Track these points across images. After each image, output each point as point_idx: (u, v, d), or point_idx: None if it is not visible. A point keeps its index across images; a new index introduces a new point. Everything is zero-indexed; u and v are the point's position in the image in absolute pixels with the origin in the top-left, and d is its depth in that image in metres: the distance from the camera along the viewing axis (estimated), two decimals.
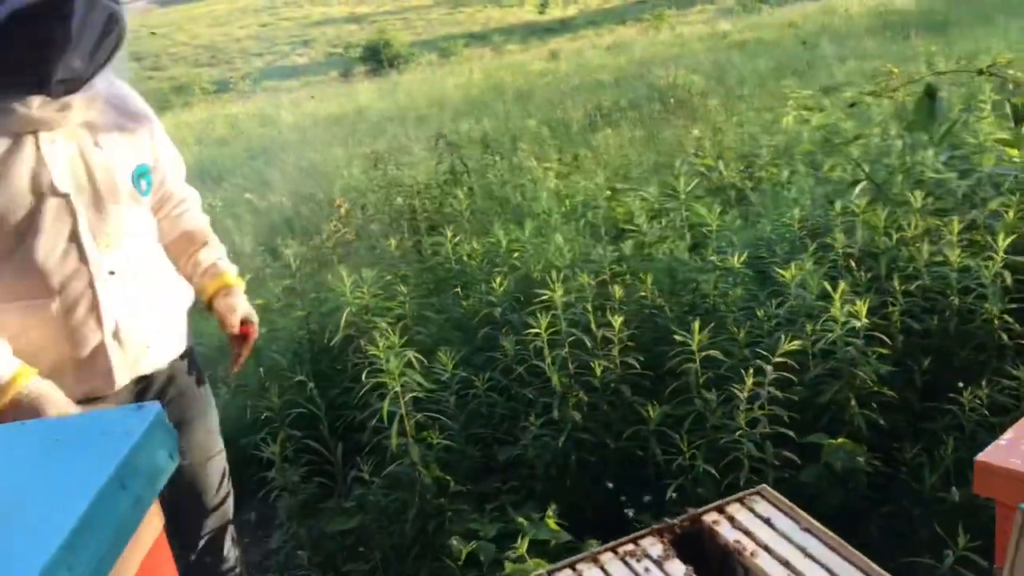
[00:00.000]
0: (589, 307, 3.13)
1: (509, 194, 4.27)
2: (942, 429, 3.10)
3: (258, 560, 3.29)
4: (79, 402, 2.09)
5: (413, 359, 2.88)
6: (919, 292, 3.41)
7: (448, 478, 2.90)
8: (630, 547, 1.86)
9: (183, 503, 2.43)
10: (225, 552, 2.62)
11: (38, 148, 1.93)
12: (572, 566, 1.84)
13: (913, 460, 3.06)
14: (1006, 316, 3.24)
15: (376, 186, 5.21)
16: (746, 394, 2.87)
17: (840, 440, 3.03)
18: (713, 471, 2.91)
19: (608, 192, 3.71)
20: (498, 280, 3.35)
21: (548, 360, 3.03)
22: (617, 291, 3.22)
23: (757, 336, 3.28)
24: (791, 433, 2.94)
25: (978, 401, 3.00)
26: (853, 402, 3.11)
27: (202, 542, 2.52)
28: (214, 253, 2.49)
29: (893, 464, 3.12)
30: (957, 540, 2.61)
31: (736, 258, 3.53)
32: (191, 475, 2.43)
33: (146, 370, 2.26)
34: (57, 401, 1.98)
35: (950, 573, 2.65)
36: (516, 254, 3.70)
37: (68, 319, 2.03)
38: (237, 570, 2.68)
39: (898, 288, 3.32)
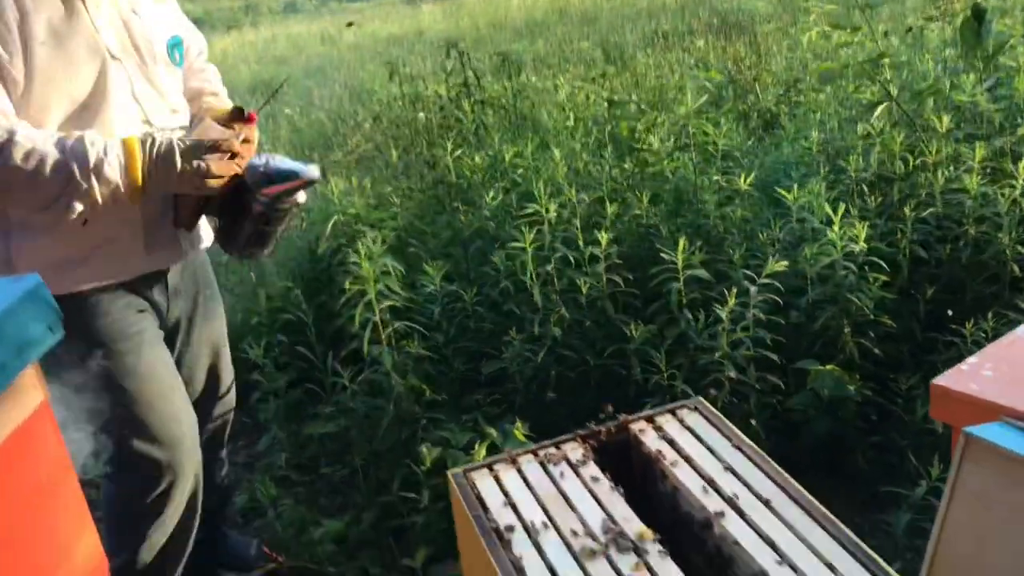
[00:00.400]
0: (577, 223, 3.07)
1: (525, 111, 4.18)
2: (942, 361, 2.99)
3: (249, 462, 3.37)
4: (143, 279, 2.14)
5: (392, 268, 2.87)
6: (933, 220, 3.26)
7: (424, 387, 2.90)
8: (552, 451, 1.83)
9: (202, 392, 2.51)
10: (224, 442, 2.69)
11: (87, 12, 1.96)
12: (490, 466, 1.82)
13: (909, 392, 2.96)
14: (1020, 247, 3.09)
15: (398, 101, 5.16)
16: (727, 314, 2.80)
17: (828, 366, 2.95)
18: (690, 392, 2.86)
19: (606, 104, 3.60)
20: (491, 194, 3.30)
21: (530, 275, 2.99)
22: (609, 208, 3.15)
23: (760, 260, 3.18)
24: (775, 356, 2.87)
25: (982, 334, 2.88)
26: (847, 329, 3.01)
27: (212, 425, 2.60)
28: (224, 101, 2.42)
29: (888, 395, 3.03)
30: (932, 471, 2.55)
31: (743, 178, 3.42)
32: (213, 363, 2.50)
33: (201, 243, 2.34)
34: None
35: (921, 503, 2.59)
36: (520, 170, 3.64)
37: None
38: (226, 467, 2.75)
39: (909, 215, 3.18)
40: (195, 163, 1.93)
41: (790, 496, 1.61)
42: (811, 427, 2.99)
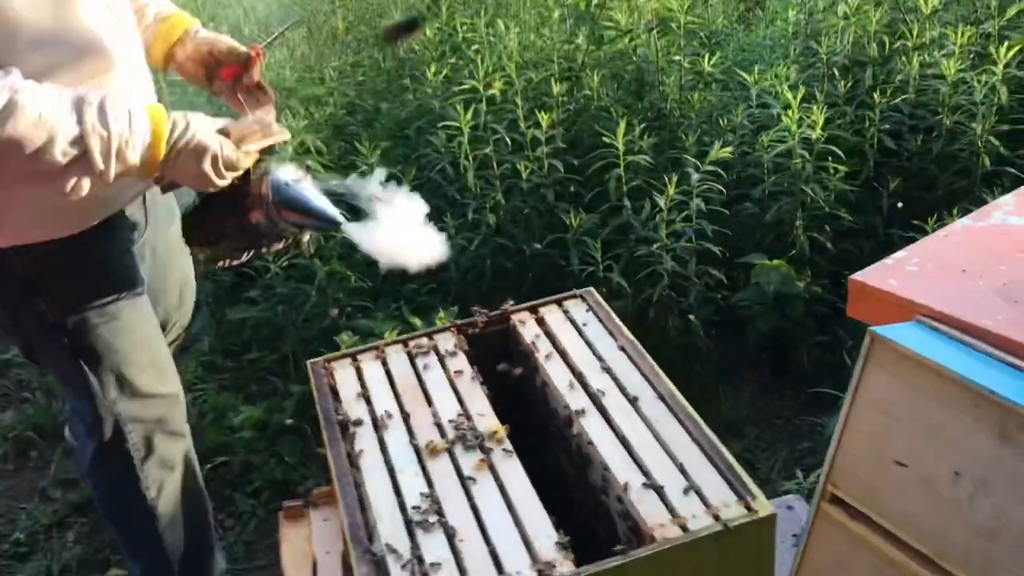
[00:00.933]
0: (519, 102, 2.88)
1: None
2: None
3: (184, 346, 3.27)
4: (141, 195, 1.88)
5: (311, 145, 2.70)
6: (906, 108, 3.03)
7: (348, 273, 2.78)
8: (423, 341, 1.71)
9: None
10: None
11: None
12: (353, 356, 1.70)
13: None
14: (992, 138, 2.87)
15: None
16: (666, 203, 2.63)
17: (775, 262, 2.79)
18: (625, 284, 2.71)
19: None
20: (433, 69, 3.10)
21: (465, 156, 2.82)
22: (556, 87, 2.94)
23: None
24: (716, 249, 2.71)
25: None
26: (799, 222, 2.83)
27: None
28: (166, 6, 2.06)
29: (843, 293, 2.88)
30: None
31: (707, 60, 3.19)
32: (181, 291, 2.21)
33: None
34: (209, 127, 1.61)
35: None
36: (475, 46, 3.41)
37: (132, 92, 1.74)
38: None
39: (878, 101, 2.95)
40: (220, 174, 1.60)
41: (658, 394, 1.48)
42: (756, 324, 2.85)
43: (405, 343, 1.72)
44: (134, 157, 1.50)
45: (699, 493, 1.28)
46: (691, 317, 2.77)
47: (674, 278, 2.76)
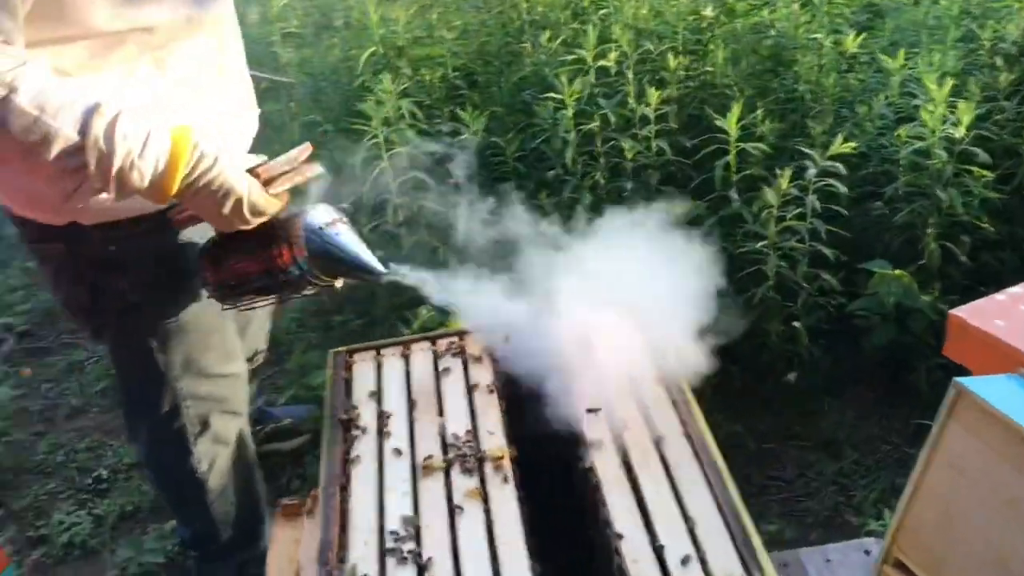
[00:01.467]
0: (629, 76, 2.69)
1: None
2: None
3: None
4: None
5: (407, 112, 2.62)
6: None
7: (439, 245, 2.69)
8: (452, 340, 1.59)
9: None
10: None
11: None
12: (378, 350, 1.61)
13: None
14: None
15: None
16: (777, 197, 2.40)
17: (898, 272, 2.51)
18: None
19: None
20: (547, 35, 2.94)
21: (564, 131, 2.67)
22: (672, 62, 2.73)
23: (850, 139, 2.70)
24: (828, 252, 2.46)
25: None
26: (931, 229, 2.54)
27: None
28: None
29: None
30: None
31: (851, 40, 2.89)
32: None
33: None
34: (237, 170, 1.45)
35: None
36: (602, 11, 3.22)
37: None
38: None
39: None
40: (243, 219, 1.46)
41: (686, 434, 1.31)
42: (872, 337, 2.59)
43: (433, 341, 1.62)
44: (140, 182, 1.36)
45: (703, 561, 1.12)
46: (796, 324, 2.54)
47: (781, 280, 2.53)
